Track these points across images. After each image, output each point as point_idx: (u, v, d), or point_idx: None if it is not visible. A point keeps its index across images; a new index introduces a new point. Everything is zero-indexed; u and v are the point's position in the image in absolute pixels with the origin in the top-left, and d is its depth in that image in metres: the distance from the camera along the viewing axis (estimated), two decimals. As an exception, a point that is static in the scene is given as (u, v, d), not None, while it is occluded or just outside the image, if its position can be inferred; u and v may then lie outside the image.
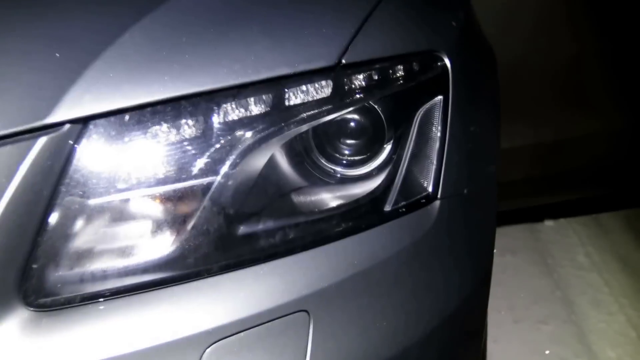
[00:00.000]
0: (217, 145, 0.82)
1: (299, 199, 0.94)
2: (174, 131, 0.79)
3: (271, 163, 0.90)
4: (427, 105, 1.00)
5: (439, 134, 1.00)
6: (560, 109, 2.27)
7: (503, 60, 1.34)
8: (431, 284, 0.99)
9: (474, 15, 1.32)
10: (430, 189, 0.98)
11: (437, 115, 1.01)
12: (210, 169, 0.81)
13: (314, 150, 0.98)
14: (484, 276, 1.11)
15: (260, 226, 0.86)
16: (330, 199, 0.96)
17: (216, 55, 0.81)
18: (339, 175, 0.99)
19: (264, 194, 0.89)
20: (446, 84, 1.02)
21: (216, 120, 0.81)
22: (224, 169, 0.82)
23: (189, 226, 0.81)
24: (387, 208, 0.94)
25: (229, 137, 0.82)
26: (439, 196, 0.98)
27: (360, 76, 0.93)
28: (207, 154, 0.81)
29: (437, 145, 1.00)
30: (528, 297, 2.57)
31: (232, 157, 0.82)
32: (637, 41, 2.13)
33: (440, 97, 1.02)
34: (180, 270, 0.80)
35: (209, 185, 0.81)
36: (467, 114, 1.07)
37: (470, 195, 1.05)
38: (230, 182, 0.82)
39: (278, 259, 0.86)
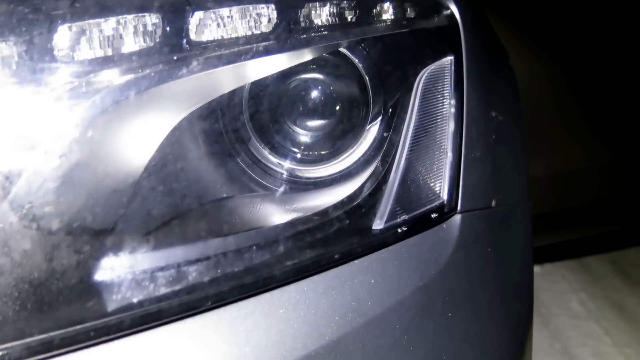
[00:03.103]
0: (39, 92, 0.37)
1: (220, 214, 0.48)
2: None
3: (172, 149, 0.45)
4: (432, 67, 0.59)
5: (453, 111, 0.57)
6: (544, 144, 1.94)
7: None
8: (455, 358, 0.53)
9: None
10: (445, 196, 0.55)
11: (449, 84, 0.59)
12: (19, 139, 0.36)
13: (251, 136, 0.54)
14: (527, 336, 0.66)
15: (137, 263, 0.40)
16: (278, 214, 0.50)
17: None
18: (291, 176, 0.54)
19: (152, 203, 0.43)
20: (457, 40, 0.61)
21: (36, 43, 0.36)
22: (52, 142, 0.36)
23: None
24: (378, 226, 0.50)
25: (64, 77, 0.37)
26: (459, 208, 0.54)
27: (326, 7, 0.50)
28: (15, 111, 0.36)
29: (451, 127, 0.57)
30: (526, 351, 2.14)
31: (73, 119, 0.37)
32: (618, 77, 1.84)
33: (450, 58, 0.60)
34: None
35: (9, 175, 0.35)
36: (486, 90, 0.66)
37: (500, 209, 0.62)
38: (54, 169, 0.36)
39: (170, 322, 0.40)
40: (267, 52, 0.45)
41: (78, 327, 0.36)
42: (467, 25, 0.64)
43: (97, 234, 0.38)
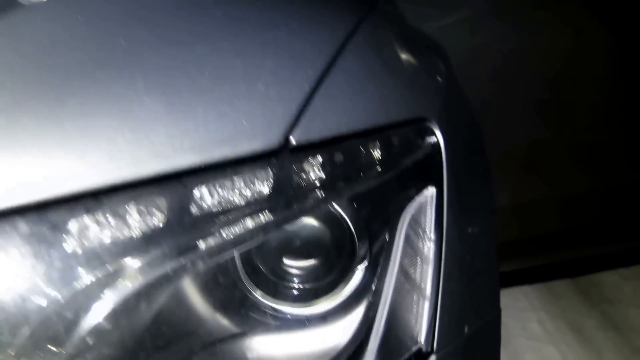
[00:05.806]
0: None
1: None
2: None
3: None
4: (414, 204, 0.58)
5: (432, 248, 0.57)
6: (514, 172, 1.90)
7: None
8: None
9: (456, 81, 0.91)
10: (422, 340, 0.55)
11: (429, 219, 0.59)
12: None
13: (241, 276, 0.54)
14: None
15: None
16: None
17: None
18: (275, 320, 0.54)
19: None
20: (439, 168, 0.61)
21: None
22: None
23: None
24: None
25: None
26: (434, 349, 0.55)
27: (314, 161, 0.50)
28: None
29: (431, 267, 0.57)
30: (482, 377, 2.15)
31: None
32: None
33: (432, 190, 0.60)
34: None
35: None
36: (465, 211, 0.66)
37: (472, 334, 0.62)
38: None
39: None
40: (265, 230, 0.45)
41: None
42: (449, 147, 0.63)
43: None
